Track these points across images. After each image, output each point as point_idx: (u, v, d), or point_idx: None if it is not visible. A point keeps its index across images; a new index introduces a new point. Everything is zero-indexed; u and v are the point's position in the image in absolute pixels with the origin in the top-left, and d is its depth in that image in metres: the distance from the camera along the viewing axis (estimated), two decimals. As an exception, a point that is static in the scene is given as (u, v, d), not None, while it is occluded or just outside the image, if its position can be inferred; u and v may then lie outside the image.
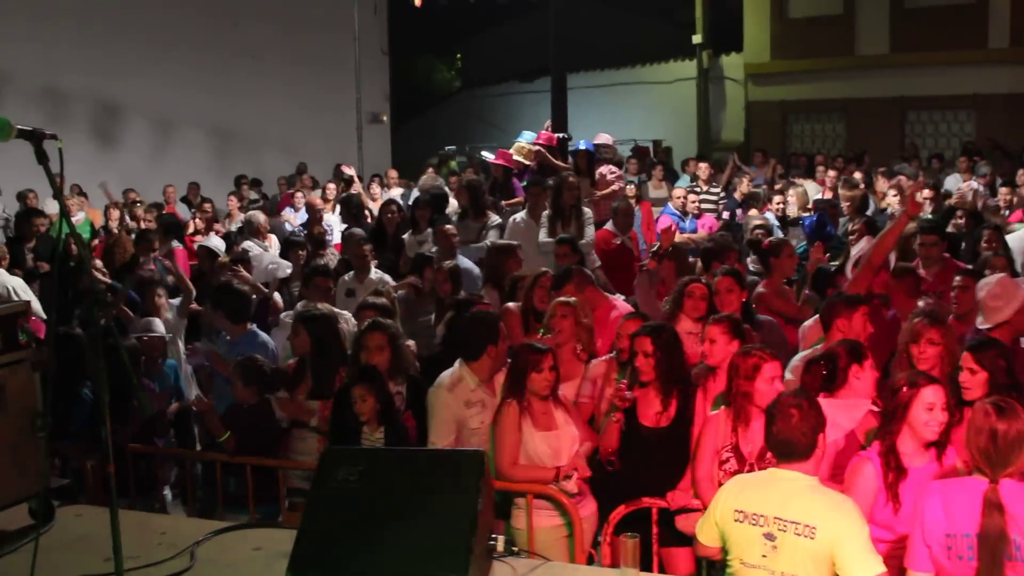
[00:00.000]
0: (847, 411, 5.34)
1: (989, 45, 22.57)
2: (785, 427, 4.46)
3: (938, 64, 22.51)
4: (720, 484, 5.07)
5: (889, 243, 7.41)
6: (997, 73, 22.29)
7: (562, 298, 7.18)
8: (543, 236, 10.58)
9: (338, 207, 13.87)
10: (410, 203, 13.34)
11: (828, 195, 14.03)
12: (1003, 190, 13.95)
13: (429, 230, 11.08)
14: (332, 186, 15.46)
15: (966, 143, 20.53)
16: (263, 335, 8.39)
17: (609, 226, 10.93)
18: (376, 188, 16.04)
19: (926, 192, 12.12)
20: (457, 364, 6.52)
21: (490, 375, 6.43)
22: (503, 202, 12.51)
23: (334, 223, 13.44)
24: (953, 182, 15.74)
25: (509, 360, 6.19)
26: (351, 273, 9.78)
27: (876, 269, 7.35)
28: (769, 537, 4.40)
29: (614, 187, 12.75)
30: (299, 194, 15.70)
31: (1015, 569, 4.16)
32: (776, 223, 12.54)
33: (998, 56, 22.39)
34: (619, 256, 9.98)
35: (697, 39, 26.11)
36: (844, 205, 12.13)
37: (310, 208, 13.80)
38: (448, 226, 10.52)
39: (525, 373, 5.97)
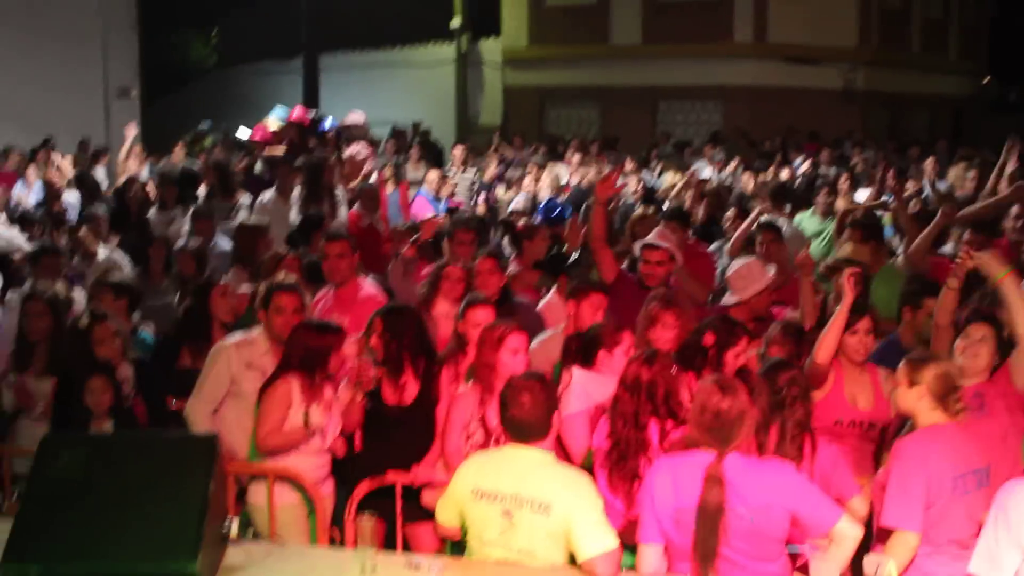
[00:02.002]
0: (601, 385, 5.42)
1: (735, 39, 23.50)
2: (519, 411, 4.49)
3: (687, 56, 23.28)
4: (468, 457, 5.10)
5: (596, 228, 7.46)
6: (742, 66, 23.23)
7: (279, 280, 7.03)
8: (294, 215, 10.44)
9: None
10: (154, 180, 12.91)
11: (575, 179, 14.32)
12: (745, 175, 14.55)
13: (179, 208, 10.77)
14: (67, 163, 14.65)
15: (713, 132, 21.28)
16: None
17: (357, 207, 10.86)
18: (132, 162, 15.36)
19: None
20: (257, 328, 6.38)
21: (278, 342, 6.19)
22: None
23: (74, 201, 12.83)
24: (701, 168, 16.24)
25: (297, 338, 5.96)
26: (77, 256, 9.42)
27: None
28: (506, 515, 4.42)
29: (367, 168, 12.67)
30: (30, 169, 14.86)
31: (736, 539, 4.29)
32: (529, 206, 12.72)
33: (743, 50, 23.35)
34: (366, 237, 9.89)
35: (456, 23, 26.22)
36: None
37: (47, 185, 13.16)
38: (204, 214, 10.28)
39: (327, 352, 5.83)
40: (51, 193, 12.49)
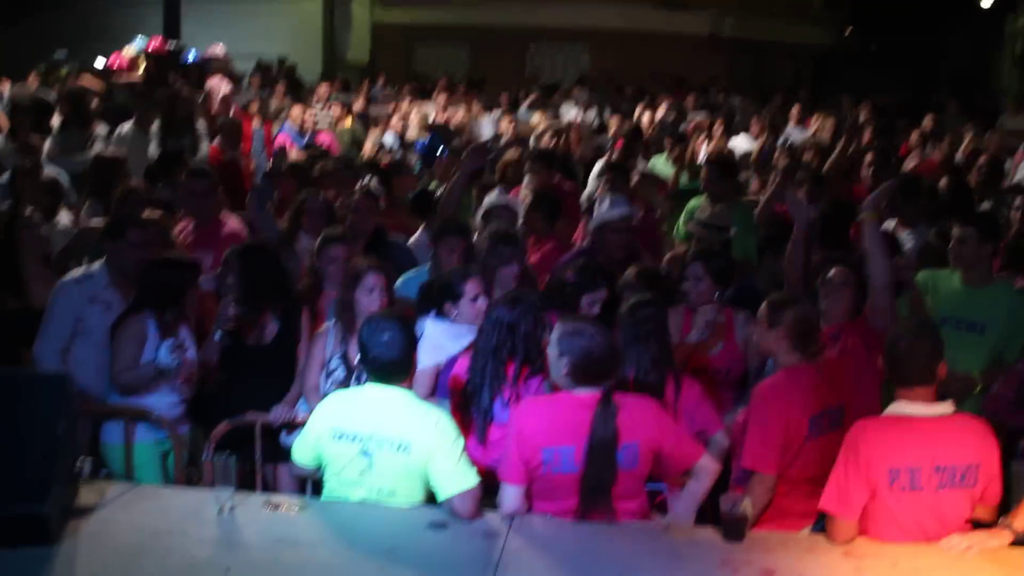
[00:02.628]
0: (453, 337, 5.36)
1: (605, -18, 23.55)
2: (378, 351, 4.43)
3: (557, -3, 23.28)
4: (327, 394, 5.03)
5: (454, 193, 7.31)
6: (611, 9, 23.29)
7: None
8: (153, 149, 10.17)
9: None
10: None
11: (442, 118, 14.23)
12: (613, 119, 14.61)
13: (33, 137, 10.38)
14: None
15: (581, 75, 21.31)
16: None
17: (217, 142, 10.65)
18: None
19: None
20: (98, 262, 6.21)
21: (123, 276, 6.05)
22: None
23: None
24: (564, 110, 16.27)
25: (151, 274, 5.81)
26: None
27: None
28: (365, 454, 4.39)
29: (228, 102, 12.43)
30: None
31: (627, 476, 4.34)
32: (397, 144, 12.62)
33: (612, -7, 23.42)
34: (227, 171, 9.70)
35: (324, -44, 25.67)
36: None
37: None
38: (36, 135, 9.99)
39: (182, 289, 5.72)
40: None
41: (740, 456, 4.73)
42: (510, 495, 4.37)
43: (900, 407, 4.21)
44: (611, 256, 6.72)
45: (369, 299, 5.55)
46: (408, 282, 6.39)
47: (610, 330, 4.56)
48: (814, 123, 14.45)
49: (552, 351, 4.44)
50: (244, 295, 5.87)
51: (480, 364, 4.92)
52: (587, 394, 4.33)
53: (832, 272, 5.67)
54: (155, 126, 10.43)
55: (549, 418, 4.35)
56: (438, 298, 5.52)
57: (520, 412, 4.44)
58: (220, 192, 7.76)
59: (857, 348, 5.45)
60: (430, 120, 13.87)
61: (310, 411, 5.25)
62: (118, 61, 13.25)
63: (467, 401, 4.96)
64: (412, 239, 7.62)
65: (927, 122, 13.87)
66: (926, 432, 4.13)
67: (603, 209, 7.04)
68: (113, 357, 5.68)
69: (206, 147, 10.48)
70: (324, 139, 12.53)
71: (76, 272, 6.24)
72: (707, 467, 4.44)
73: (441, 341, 5.31)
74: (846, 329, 5.57)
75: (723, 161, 8.93)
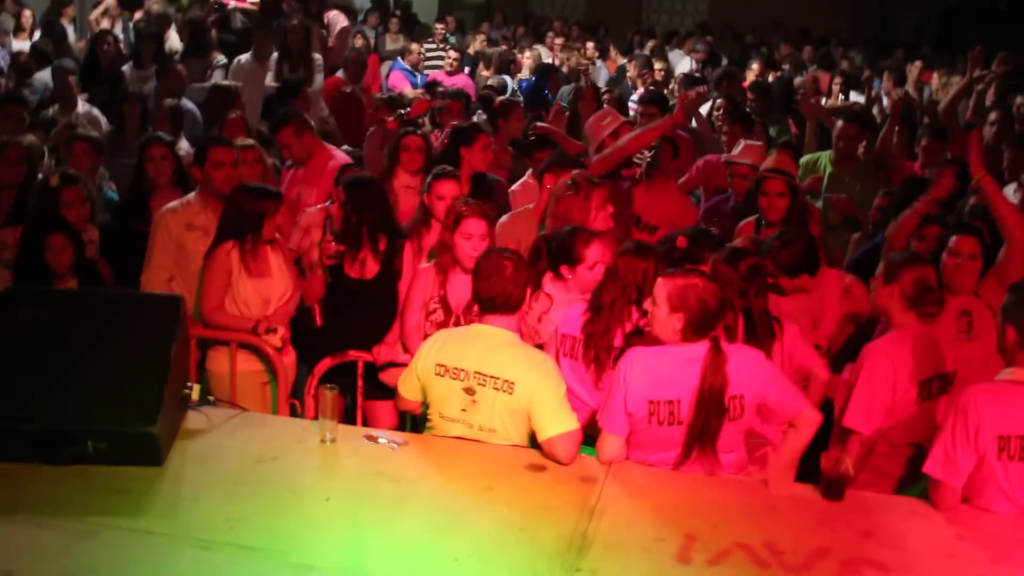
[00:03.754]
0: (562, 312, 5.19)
1: (726, -75, 23.03)
2: (498, 280, 4.45)
3: (678, -59, 22.86)
4: (427, 335, 5.04)
5: (648, 140, 7.16)
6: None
7: (239, 140, 6.97)
8: (270, 80, 10.27)
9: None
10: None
11: (556, 61, 14.09)
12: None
13: (156, 66, 10.54)
14: (28, 12, 14.17)
15: (699, 23, 20.95)
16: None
17: (340, 74, 10.71)
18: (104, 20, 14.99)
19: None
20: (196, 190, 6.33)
21: (217, 199, 6.10)
22: None
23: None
24: (676, 59, 16.01)
25: (232, 202, 5.86)
26: (55, 106, 9.17)
27: (623, 157, 7.16)
28: (469, 391, 4.41)
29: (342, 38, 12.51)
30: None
31: (731, 427, 4.29)
32: (513, 85, 12.56)
33: (734, -63, 22.89)
34: (348, 104, 9.76)
35: None
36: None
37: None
38: (179, 66, 10.08)
39: (260, 215, 5.71)
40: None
41: (841, 414, 4.66)
42: (611, 444, 4.34)
43: (1013, 373, 4.09)
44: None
45: (468, 244, 5.45)
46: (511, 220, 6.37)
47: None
48: (935, 81, 14.05)
49: (661, 308, 4.33)
50: (348, 229, 5.90)
51: (608, 298, 4.87)
52: (695, 346, 4.29)
53: (956, 241, 5.47)
54: (273, 57, 10.51)
55: (658, 370, 4.29)
56: (555, 257, 5.36)
57: (627, 363, 4.37)
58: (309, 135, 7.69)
59: (986, 325, 5.26)
60: (543, 61, 13.76)
61: (409, 352, 5.30)
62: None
63: (588, 339, 4.90)
64: (519, 182, 7.54)
65: None
66: (1040, 400, 4.00)
67: (734, 151, 7.09)
68: (202, 291, 5.74)
69: (321, 79, 10.54)
70: (460, 80, 12.46)
71: (173, 202, 6.33)
72: (809, 418, 4.37)
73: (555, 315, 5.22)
74: (972, 303, 5.42)
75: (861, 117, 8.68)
